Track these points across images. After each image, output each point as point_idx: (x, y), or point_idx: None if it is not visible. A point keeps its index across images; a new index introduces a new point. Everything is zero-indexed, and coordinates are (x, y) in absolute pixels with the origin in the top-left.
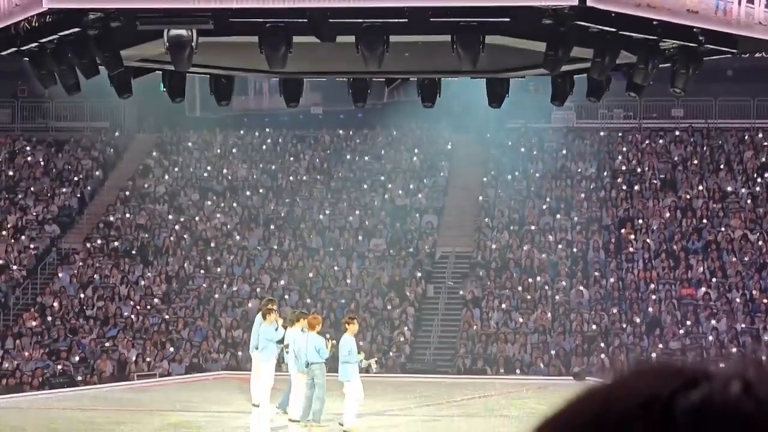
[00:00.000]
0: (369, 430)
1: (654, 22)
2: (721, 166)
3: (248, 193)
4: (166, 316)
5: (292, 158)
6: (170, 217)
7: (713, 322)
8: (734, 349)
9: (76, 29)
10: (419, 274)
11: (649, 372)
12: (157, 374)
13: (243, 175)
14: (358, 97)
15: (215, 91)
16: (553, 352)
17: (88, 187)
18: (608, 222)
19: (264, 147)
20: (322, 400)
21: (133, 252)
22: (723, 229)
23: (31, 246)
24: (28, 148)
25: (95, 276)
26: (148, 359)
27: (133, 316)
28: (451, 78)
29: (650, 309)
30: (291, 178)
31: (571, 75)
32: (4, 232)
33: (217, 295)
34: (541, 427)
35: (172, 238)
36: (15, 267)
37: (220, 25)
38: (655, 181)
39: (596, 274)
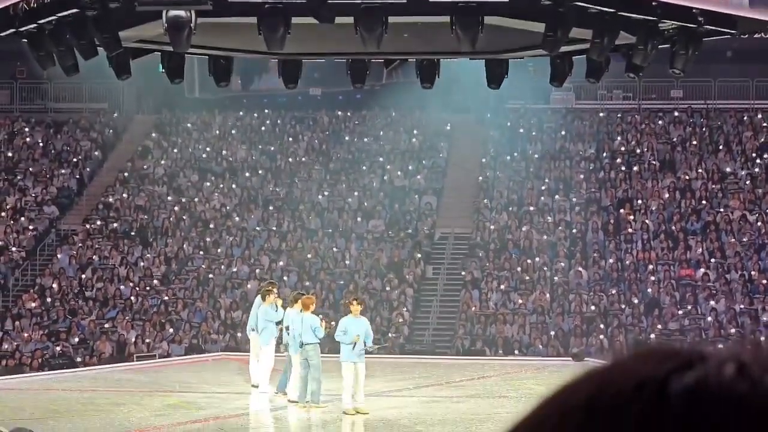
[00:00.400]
0: (368, 411)
1: (653, 3)
2: (720, 147)
3: (247, 174)
4: (166, 298)
5: (290, 139)
6: (169, 198)
7: (712, 302)
8: (733, 330)
9: (75, 10)
10: (418, 256)
11: (644, 354)
12: (156, 355)
13: (242, 156)
14: (356, 78)
15: (214, 72)
16: (552, 332)
17: (87, 169)
18: (607, 203)
19: (263, 128)
20: (318, 381)
21: (133, 233)
22: (722, 209)
23: (30, 227)
24: (26, 130)
25: (94, 257)
26: (147, 340)
27: (132, 298)
28: (450, 59)
29: (649, 290)
30: (290, 159)
31: (570, 56)
32: (3, 214)
33: (215, 276)
34: (536, 408)
35: (171, 219)
36: (14, 248)
37: (218, 6)
38: (654, 162)
39: (595, 255)
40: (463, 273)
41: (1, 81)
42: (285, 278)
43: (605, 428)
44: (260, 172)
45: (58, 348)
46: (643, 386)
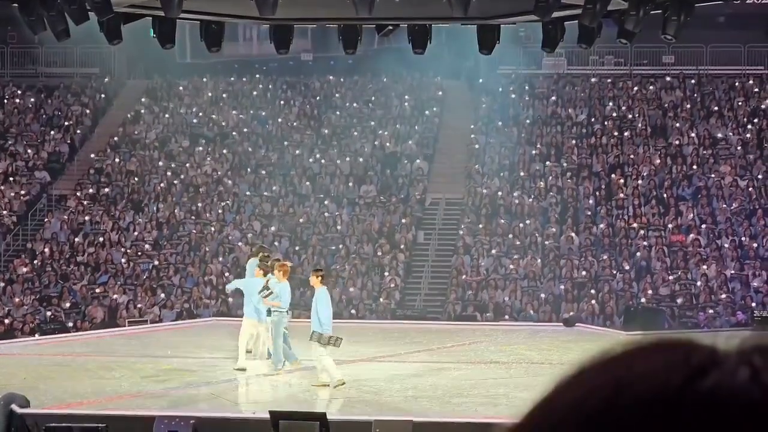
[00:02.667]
0: (359, 377)
1: None
2: (712, 113)
3: (239, 139)
4: (157, 263)
5: (282, 104)
6: (161, 163)
7: (703, 268)
8: (723, 296)
9: None
10: (409, 221)
11: (657, 353)
12: (148, 320)
13: (233, 121)
14: (348, 44)
15: (206, 37)
16: (543, 297)
17: (79, 133)
18: (598, 168)
19: (254, 93)
20: (287, 346)
21: (124, 198)
22: (713, 175)
23: (22, 192)
24: (18, 94)
25: (86, 222)
26: (139, 305)
27: (124, 263)
28: (442, 24)
29: (639, 255)
30: (281, 124)
31: (562, 21)
32: None
33: (207, 242)
34: (546, 407)
35: (162, 185)
36: (5, 212)
37: None
38: (645, 128)
39: (586, 220)
40: (454, 239)
41: None
42: (276, 243)
43: None
44: (251, 137)
45: (49, 313)
46: (659, 395)
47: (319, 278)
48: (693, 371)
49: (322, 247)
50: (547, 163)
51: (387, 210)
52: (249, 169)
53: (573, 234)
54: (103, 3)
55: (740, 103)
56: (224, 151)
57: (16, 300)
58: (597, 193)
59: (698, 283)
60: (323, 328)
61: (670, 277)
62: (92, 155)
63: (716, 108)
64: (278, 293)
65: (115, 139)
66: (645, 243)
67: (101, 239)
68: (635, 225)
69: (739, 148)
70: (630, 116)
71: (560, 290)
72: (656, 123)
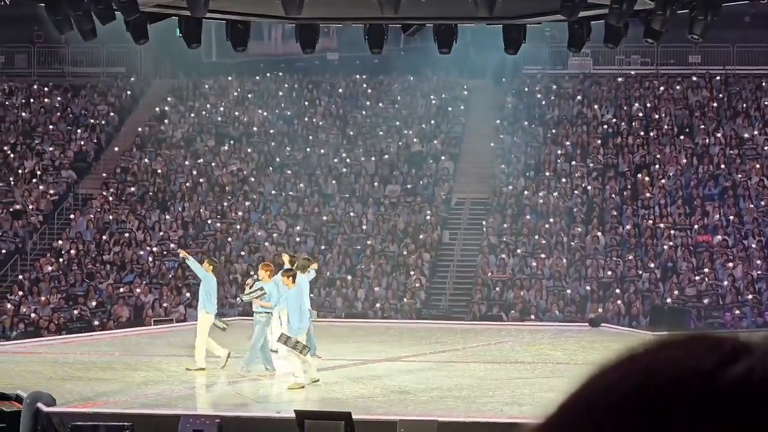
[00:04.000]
0: (384, 376)
1: None
2: (739, 112)
3: (264, 138)
4: (182, 262)
5: (307, 104)
6: (186, 162)
7: (729, 267)
8: (750, 296)
9: None
10: (435, 220)
11: (690, 343)
12: (173, 319)
13: (259, 120)
14: (374, 43)
15: (231, 36)
16: (568, 298)
17: (105, 133)
18: (624, 168)
19: (280, 93)
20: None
21: (150, 197)
22: (739, 175)
23: (50, 192)
24: (44, 93)
25: (112, 221)
26: (164, 304)
27: (149, 261)
28: (468, 24)
29: (666, 255)
30: (307, 123)
31: (588, 21)
32: (21, 177)
33: (232, 241)
34: (581, 391)
35: (188, 184)
36: (32, 209)
37: None
38: (671, 128)
39: (612, 220)
40: (479, 238)
41: (19, 45)
42: (298, 240)
43: (653, 418)
44: (277, 136)
45: (75, 312)
46: (690, 378)
47: (290, 278)
48: (725, 357)
49: (347, 247)
50: (573, 162)
51: (412, 209)
52: (274, 169)
53: (599, 234)
54: (129, 3)
55: (767, 103)
56: (250, 150)
57: (42, 299)
58: (623, 193)
59: (725, 284)
60: (293, 332)
61: (696, 278)
62: (118, 154)
63: (743, 108)
64: (269, 293)
65: (141, 138)
66: (671, 243)
67: (127, 238)
68: (661, 225)
69: (766, 148)
70: (656, 116)
71: (586, 290)
72: (682, 123)
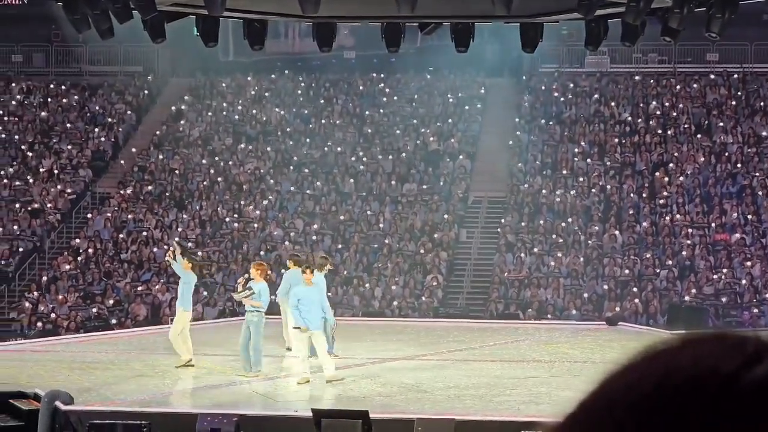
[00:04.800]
0: (401, 375)
1: None
2: (756, 110)
3: (281, 137)
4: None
5: (324, 102)
6: (204, 161)
7: (748, 266)
8: None
9: None
10: (452, 219)
11: (712, 342)
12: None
13: (276, 119)
14: (391, 42)
15: (248, 35)
16: (585, 296)
17: (122, 131)
18: (642, 167)
19: (297, 91)
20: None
21: (167, 196)
22: (757, 173)
23: (68, 190)
24: (62, 92)
25: (129, 220)
26: None
27: (166, 260)
28: (485, 23)
29: (684, 254)
30: (324, 122)
31: (606, 19)
32: (38, 176)
33: (250, 239)
34: (603, 388)
35: (205, 183)
36: (50, 208)
37: None
38: (689, 126)
39: (629, 218)
40: (496, 237)
41: (37, 44)
42: (314, 237)
43: (672, 417)
44: (294, 135)
45: (93, 310)
46: (711, 378)
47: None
48: (748, 357)
49: (364, 245)
50: (590, 161)
51: (429, 208)
52: (292, 167)
53: (616, 232)
54: (147, 2)
55: None
56: (267, 148)
57: (60, 297)
58: (640, 192)
59: (743, 282)
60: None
61: (714, 276)
62: (136, 153)
63: (760, 106)
64: (259, 293)
65: (159, 136)
66: (689, 241)
67: (144, 237)
68: (679, 223)
69: None
70: (674, 114)
71: (603, 289)
72: (700, 121)
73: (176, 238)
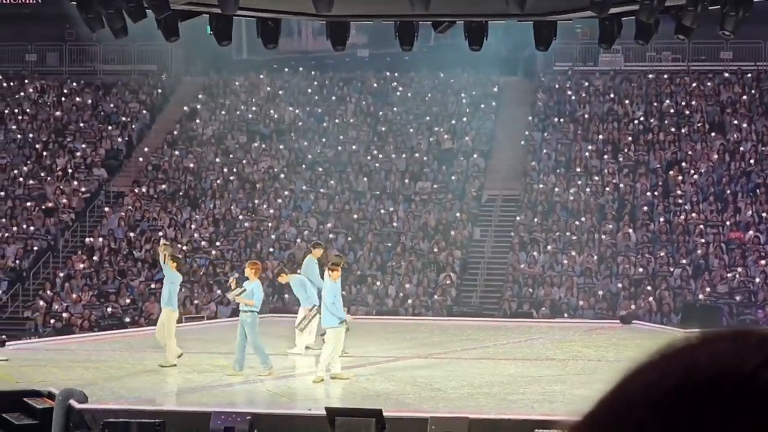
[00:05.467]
0: (415, 374)
1: None
2: None
3: (295, 136)
4: (214, 259)
5: (338, 101)
6: (217, 159)
7: (762, 264)
8: None
9: None
10: (465, 217)
11: (730, 340)
12: (204, 317)
13: (290, 117)
14: (405, 40)
15: (262, 34)
16: (599, 294)
17: (136, 130)
18: (656, 165)
19: (310, 90)
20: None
21: (181, 195)
22: None
23: (82, 189)
24: (76, 91)
25: (143, 219)
26: (195, 302)
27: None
28: (499, 21)
29: (698, 252)
30: (337, 120)
31: (619, 17)
32: (53, 175)
33: (263, 238)
34: (622, 388)
35: (219, 181)
36: (64, 206)
37: None
38: (703, 124)
39: (643, 217)
40: (510, 235)
41: (51, 43)
42: (325, 235)
43: (693, 415)
44: (308, 133)
45: (107, 309)
46: (730, 376)
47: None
48: (764, 357)
49: (378, 244)
50: (604, 158)
51: (443, 206)
52: (305, 166)
53: (630, 231)
54: (160, 0)
55: None
56: (280, 147)
57: (74, 296)
58: (654, 190)
59: (757, 280)
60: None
61: (729, 274)
62: (150, 152)
63: None
64: (252, 291)
65: (172, 135)
66: (703, 240)
67: (158, 235)
68: (693, 222)
69: None
70: (687, 112)
71: (617, 287)
72: (714, 119)
73: (163, 241)
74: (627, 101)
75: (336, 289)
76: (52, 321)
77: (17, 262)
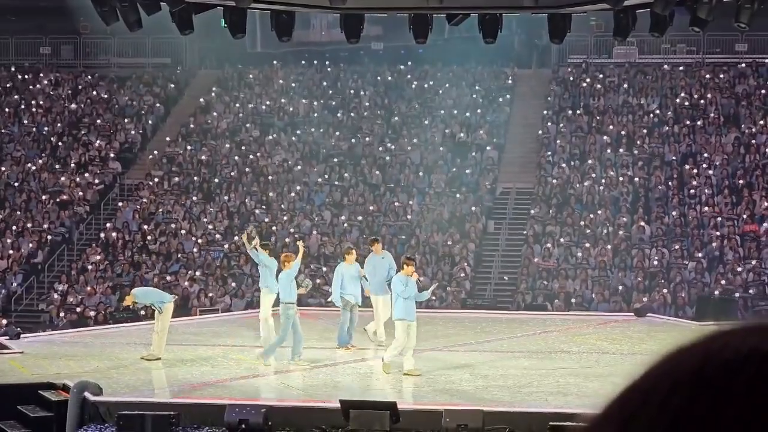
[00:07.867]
0: (429, 366)
1: None
2: None
3: (309, 128)
4: (228, 252)
5: (352, 93)
6: (232, 152)
7: None
8: None
9: None
10: (480, 210)
11: (749, 327)
12: (219, 309)
13: (304, 110)
14: (419, 33)
15: (276, 26)
16: (614, 287)
17: (150, 123)
18: (670, 158)
19: (324, 82)
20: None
21: (195, 188)
22: None
23: (96, 182)
24: (90, 84)
25: (158, 211)
26: (210, 294)
27: (194, 252)
28: (513, 14)
29: (712, 245)
30: (352, 113)
31: (634, 10)
32: (68, 168)
33: (277, 231)
34: (645, 376)
35: (233, 174)
36: (78, 199)
37: None
38: (717, 117)
39: (658, 210)
40: (524, 228)
41: (65, 36)
42: (339, 227)
43: (713, 398)
44: (322, 126)
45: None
46: (750, 359)
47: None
48: None
49: (392, 237)
50: (619, 151)
51: (457, 199)
52: (319, 159)
53: (644, 223)
54: None
55: None
56: (294, 140)
57: (89, 288)
58: (669, 183)
59: None
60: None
61: (743, 267)
62: (164, 145)
63: None
64: (288, 278)
65: (187, 128)
66: (717, 233)
67: (173, 228)
68: (707, 215)
69: None
70: (702, 105)
71: (631, 280)
72: (729, 112)
73: (249, 228)
74: (641, 94)
75: (411, 282)
76: (67, 314)
77: (33, 254)
